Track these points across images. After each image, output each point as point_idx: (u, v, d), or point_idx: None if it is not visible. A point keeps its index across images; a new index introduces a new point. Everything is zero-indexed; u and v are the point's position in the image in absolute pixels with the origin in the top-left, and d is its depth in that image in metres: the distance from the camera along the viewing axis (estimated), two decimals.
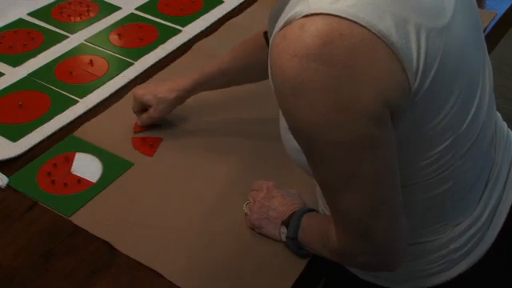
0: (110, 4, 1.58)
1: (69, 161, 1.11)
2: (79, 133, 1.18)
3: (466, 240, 0.86)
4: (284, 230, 0.91)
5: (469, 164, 0.81)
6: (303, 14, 0.64)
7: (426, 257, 0.86)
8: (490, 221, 0.89)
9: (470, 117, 0.77)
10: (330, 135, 0.66)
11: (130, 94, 1.27)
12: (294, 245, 0.91)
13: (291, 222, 0.90)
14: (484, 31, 1.42)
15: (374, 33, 0.63)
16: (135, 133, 1.18)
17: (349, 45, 0.63)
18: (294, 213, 0.92)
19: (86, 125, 1.20)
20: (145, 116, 1.16)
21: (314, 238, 0.87)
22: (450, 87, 0.72)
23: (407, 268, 0.85)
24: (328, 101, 0.64)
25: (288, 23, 0.65)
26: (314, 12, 0.63)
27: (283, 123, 0.79)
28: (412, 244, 0.84)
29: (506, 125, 0.95)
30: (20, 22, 1.51)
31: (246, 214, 0.98)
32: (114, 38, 1.44)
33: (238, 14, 1.53)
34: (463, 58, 0.73)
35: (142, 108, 1.17)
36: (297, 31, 0.64)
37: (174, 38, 1.43)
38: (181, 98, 1.15)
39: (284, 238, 0.92)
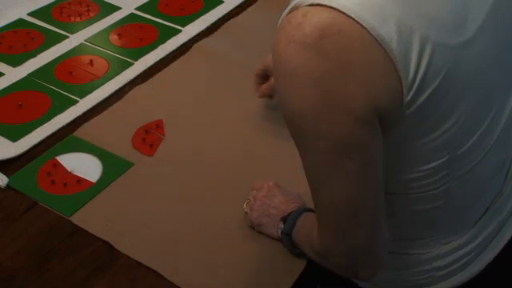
0: (109, 4, 1.57)
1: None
2: (79, 133, 1.18)
3: (451, 261, 0.84)
4: (281, 225, 0.91)
5: (464, 188, 0.79)
6: (309, 3, 0.64)
7: (410, 269, 0.85)
8: (481, 250, 0.86)
9: (472, 140, 0.75)
10: (314, 126, 0.66)
11: (130, 94, 1.27)
12: (288, 241, 0.90)
13: (289, 218, 0.91)
14: None
15: (373, 36, 0.62)
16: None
17: (345, 43, 0.62)
18: (293, 211, 0.92)
19: (86, 125, 1.20)
20: (266, 86, 1.15)
21: (304, 238, 0.86)
22: (452, 106, 0.69)
23: (393, 276, 0.86)
24: (316, 91, 0.64)
25: (295, 8, 0.65)
26: (320, 2, 0.63)
27: None
28: (397, 253, 0.84)
29: None
30: (20, 21, 1.51)
31: (246, 213, 0.98)
32: (113, 37, 1.44)
33: (237, 14, 1.52)
34: (477, 78, 0.71)
35: (265, 73, 1.15)
36: (299, 18, 0.64)
37: (173, 38, 1.43)
38: None
39: (280, 234, 0.92)
